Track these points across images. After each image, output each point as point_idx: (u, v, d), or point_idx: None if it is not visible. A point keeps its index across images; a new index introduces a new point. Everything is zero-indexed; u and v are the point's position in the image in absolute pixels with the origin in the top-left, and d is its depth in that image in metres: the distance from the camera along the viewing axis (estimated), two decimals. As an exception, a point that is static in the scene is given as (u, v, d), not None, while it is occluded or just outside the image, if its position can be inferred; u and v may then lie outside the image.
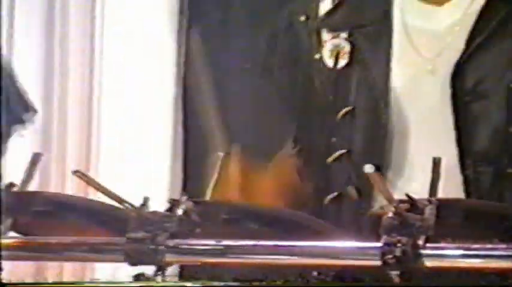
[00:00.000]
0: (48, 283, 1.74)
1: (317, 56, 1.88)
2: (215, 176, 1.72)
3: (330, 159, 1.83)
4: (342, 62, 1.85)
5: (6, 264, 2.65)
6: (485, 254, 1.48)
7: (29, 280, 2.02)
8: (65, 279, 2.84)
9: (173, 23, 2.90)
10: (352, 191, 1.80)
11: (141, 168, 2.77)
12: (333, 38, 1.86)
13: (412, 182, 1.78)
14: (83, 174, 1.66)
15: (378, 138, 1.82)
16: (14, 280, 1.78)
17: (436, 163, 1.53)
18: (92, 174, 2.05)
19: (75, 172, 1.65)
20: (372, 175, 1.50)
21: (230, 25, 2.96)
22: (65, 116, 2.83)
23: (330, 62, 1.85)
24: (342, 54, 1.84)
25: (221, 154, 1.62)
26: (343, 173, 1.81)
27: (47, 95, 2.94)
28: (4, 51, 2.94)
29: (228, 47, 2.99)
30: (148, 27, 2.93)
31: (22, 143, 2.61)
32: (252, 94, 2.71)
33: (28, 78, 2.92)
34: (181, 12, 2.96)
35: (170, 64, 3.07)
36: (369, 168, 1.52)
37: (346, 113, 1.82)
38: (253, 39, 2.50)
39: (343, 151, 1.82)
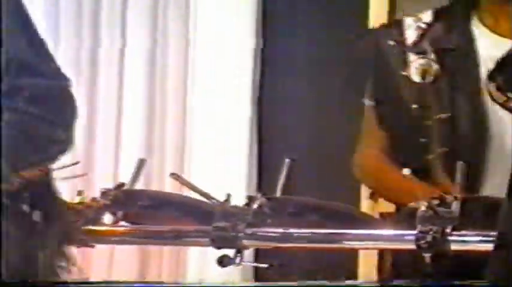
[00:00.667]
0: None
1: (403, 73, 2.13)
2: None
3: (430, 156, 2.08)
4: (429, 78, 2.12)
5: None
6: (501, 240, 1.80)
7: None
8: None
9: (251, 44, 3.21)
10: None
11: (224, 170, 3.06)
12: (420, 58, 2.12)
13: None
14: (178, 176, 2.00)
15: (477, 140, 2.08)
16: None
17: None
18: (185, 175, 2.31)
19: (172, 174, 1.99)
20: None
21: (308, 46, 3.19)
22: (164, 128, 3.22)
23: (416, 78, 2.13)
24: (429, 72, 2.12)
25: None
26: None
27: (149, 115, 3.32)
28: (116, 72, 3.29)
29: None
30: (229, 48, 3.25)
31: (131, 151, 2.99)
32: (341, 106, 2.88)
33: (133, 100, 3.33)
34: (257, 34, 3.27)
35: (248, 69, 3.41)
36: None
37: (441, 118, 2.08)
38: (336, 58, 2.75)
39: (444, 149, 2.08)
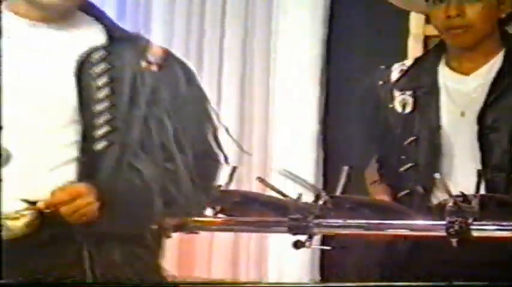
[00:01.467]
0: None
1: (390, 105, 2.61)
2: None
3: (401, 169, 2.56)
4: (408, 109, 2.59)
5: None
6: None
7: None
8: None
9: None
10: (419, 189, 2.50)
11: (297, 173, 3.43)
12: (401, 94, 2.60)
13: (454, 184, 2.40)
14: (262, 179, 2.42)
15: (434, 156, 2.53)
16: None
17: (480, 173, 2.32)
18: (267, 178, 2.59)
19: (258, 178, 2.42)
20: (440, 180, 2.31)
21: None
22: (251, 140, 3.68)
23: (399, 109, 2.60)
24: (407, 104, 2.58)
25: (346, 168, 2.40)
26: (410, 178, 2.53)
27: (240, 130, 3.72)
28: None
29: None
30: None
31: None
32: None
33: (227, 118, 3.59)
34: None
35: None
36: (437, 175, 2.33)
37: (412, 141, 2.55)
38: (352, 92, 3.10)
39: (411, 164, 2.54)
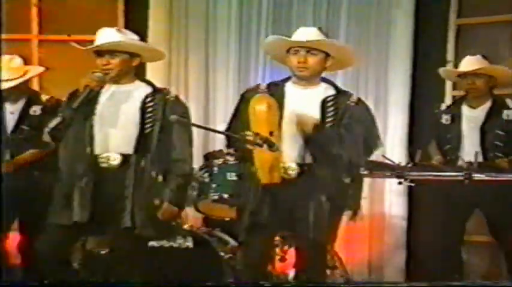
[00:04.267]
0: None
1: (441, 120, 5.92)
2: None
3: (445, 148, 5.87)
4: (448, 122, 5.89)
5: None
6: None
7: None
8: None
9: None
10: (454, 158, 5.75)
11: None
12: (446, 115, 5.91)
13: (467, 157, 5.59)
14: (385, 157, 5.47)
15: (458, 144, 5.80)
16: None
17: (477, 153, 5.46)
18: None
19: (383, 156, 5.59)
20: (461, 155, 5.60)
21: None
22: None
23: (445, 122, 5.92)
24: (448, 120, 5.90)
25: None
26: (449, 153, 5.79)
27: None
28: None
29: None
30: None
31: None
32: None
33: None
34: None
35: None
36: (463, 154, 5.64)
37: (450, 136, 5.83)
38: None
39: (449, 146, 5.83)
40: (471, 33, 6.50)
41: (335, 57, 4.63)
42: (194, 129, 4.79)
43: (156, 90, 4.67)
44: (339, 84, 4.96)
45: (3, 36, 5.15)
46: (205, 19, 6.61)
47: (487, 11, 6.49)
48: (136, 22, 6.42)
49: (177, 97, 4.72)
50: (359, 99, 4.69)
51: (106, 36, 4.61)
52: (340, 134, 4.54)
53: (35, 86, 6.46)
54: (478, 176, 5.16)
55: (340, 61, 4.70)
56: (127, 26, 5.80)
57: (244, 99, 4.69)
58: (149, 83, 4.76)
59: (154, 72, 6.02)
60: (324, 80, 4.70)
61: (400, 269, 6.56)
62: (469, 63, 5.80)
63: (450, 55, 6.49)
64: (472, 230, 5.99)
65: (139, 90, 4.66)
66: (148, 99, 4.61)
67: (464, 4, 6.58)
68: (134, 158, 4.56)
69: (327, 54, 4.60)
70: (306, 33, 4.63)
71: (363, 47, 6.46)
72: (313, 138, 4.53)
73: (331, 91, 4.66)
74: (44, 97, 5.72)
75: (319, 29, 4.72)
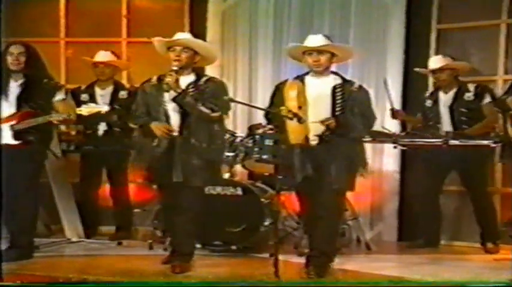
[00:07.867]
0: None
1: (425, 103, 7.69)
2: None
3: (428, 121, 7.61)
4: (430, 104, 7.69)
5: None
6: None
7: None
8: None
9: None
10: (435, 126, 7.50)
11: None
12: (428, 99, 7.71)
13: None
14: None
15: (437, 118, 7.56)
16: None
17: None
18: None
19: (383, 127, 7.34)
20: (440, 126, 7.45)
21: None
22: None
23: (428, 104, 7.72)
24: (429, 102, 7.69)
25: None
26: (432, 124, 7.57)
27: None
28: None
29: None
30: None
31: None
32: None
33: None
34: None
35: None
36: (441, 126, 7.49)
37: (431, 114, 7.63)
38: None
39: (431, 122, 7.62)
40: (450, 37, 7.76)
41: (339, 55, 5.81)
42: (240, 108, 6.93)
43: (199, 77, 5.90)
44: (349, 76, 6.27)
45: (99, 39, 7.55)
46: (248, 28, 8.23)
47: (464, 18, 7.64)
48: (197, 29, 7.95)
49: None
50: (360, 86, 5.78)
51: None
52: (349, 117, 5.62)
53: (124, 77, 8.23)
54: (452, 142, 6.73)
55: (343, 57, 5.91)
56: (192, 32, 7.11)
57: (277, 90, 5.77)
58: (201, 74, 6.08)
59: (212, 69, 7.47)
60: (333, 72, 5.85)
61: (395, 210, 8.00)
62: (435, 61, 7.32)
63: (432, 54, 7.78)
64: (447, 182, 7.53)
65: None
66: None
67: (444, 12, 7.75)
68: None
69: (332, 53, 5.76)
70: (316, 40, 5.74)
71: (366, 47, 7.93)
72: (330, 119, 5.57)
73: (339, 80, 5.78)
74: (126, 85, 7.68)
75: (324, 35, 5.81)
